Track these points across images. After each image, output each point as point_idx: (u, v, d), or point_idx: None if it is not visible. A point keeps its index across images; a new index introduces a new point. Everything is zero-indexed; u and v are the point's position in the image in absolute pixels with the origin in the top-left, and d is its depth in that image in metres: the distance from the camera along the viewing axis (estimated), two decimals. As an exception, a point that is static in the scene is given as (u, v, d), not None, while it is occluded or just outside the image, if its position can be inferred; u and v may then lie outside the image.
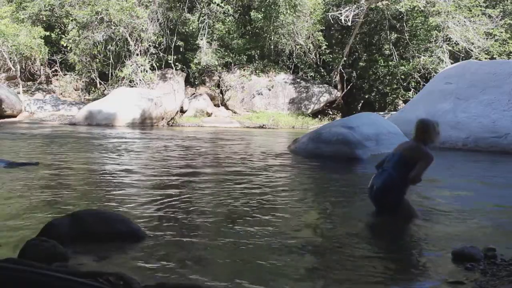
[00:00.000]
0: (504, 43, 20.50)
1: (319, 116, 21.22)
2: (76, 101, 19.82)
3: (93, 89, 20.46)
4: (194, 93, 20.75)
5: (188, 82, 21.03)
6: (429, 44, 21.08)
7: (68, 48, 19.62)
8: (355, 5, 19.84)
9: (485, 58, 19.12)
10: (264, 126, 18.44)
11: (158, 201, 4.91)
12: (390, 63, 21.84)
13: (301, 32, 20.55)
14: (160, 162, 8.19)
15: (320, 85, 21.86)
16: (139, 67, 18.98)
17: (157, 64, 19.72)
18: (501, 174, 8.13)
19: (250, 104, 20.76)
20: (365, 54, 23.13)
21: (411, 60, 21.55)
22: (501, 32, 19.98)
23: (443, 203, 5.28)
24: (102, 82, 19.99)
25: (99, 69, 19.74)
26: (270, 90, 20.97)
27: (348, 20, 19.61)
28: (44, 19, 20.43)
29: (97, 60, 19.44)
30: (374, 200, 4.44)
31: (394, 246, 3.78)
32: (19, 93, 18.66)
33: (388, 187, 4.28)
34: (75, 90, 20.87)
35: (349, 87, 22.79)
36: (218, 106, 20.85)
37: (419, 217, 4.35)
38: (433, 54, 20.65)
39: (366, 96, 22.93)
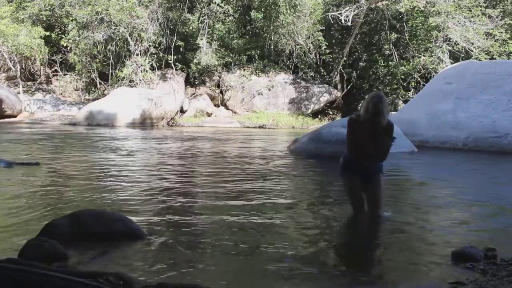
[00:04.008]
0: (504, 43, 20.50)
1: (319, 116, 21.21)
2: (76, 101, 19.80)
3: (93, 89, 20.44)
4: (194, 93, 20.73)
5: (188, 82, 21.01)
6: (429, 44, 21.07)
7: (68, 48, 19.61)
8: (355, 5, 19.81)
9: (485, 58, 19.12)
10: (264, 126, 18.42)
11: (157, 201, 4.92)
12: (390, 63, 21.81)
13: (301, 32, 20.52)
14: (160, 162, 8.19)
15: (320, 85, 21.85)
16: (139, 67, 18.97)
17: (157, 64, 19.70)
18: (501, 174, 8.12)
19: (250, 104, 20.74)
20: (365, 54, 23.11)
21: (411, 60, 21.53)
22: (501, 32, 19.97)
23: (443, 203, 5.28)
24: (102, 82, 19.96)
25: (99, 69, 19.71)
26: (270, 90, 20.95)
27: (348, 20, 19.59)
28: (44, 19, 20.39)
29: (97, 60, 19.42)
30: None
31: (393, 246, 3.78)
32: (19, 93, 18.63)
33: None
34: (75, 90, 20.85)
35: (349, 87, 22.77)
36: (218, 106, 20.83)
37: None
38: (433, 54, 20.65)
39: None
